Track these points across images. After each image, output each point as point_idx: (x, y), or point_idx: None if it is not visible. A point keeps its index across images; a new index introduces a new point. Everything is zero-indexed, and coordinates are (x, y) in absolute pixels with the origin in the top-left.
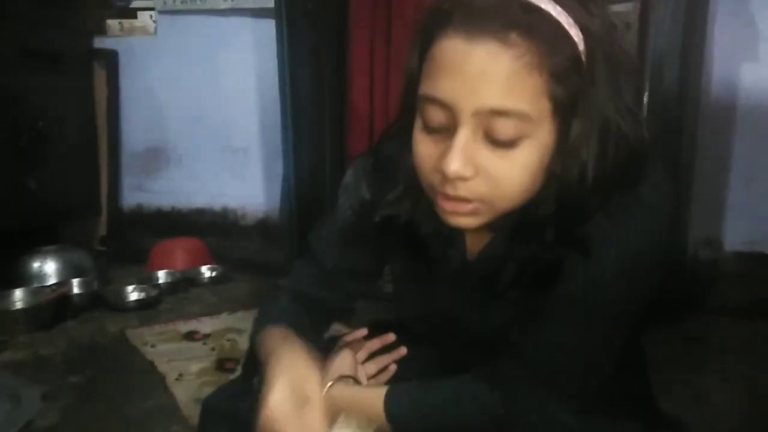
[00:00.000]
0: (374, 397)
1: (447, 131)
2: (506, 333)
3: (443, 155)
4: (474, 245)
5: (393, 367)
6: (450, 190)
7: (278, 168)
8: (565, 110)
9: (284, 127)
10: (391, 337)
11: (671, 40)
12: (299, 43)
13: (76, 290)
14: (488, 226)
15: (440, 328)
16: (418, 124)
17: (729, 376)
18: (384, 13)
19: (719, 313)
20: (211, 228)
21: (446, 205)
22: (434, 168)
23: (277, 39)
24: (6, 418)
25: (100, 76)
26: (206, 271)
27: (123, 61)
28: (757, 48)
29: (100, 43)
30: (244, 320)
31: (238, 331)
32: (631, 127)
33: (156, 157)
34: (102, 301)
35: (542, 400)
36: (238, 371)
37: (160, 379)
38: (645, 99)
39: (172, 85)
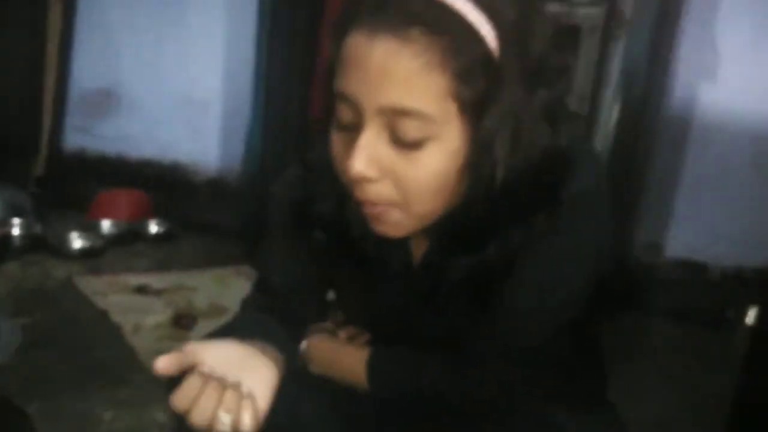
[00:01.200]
0: (357, 353)
1: (356, 130)
2: (455, 336)
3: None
4: (418, 250)
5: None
6: (358, 193)
7: (237, 126)
8: (473, 111)
9: (256, 80)
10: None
11: (639, 53)
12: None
13: (16, 231)
14: (426, 231)
15: (388, 333)
16: (333, 123)
17: (659, 370)
18: None
19: (653, 314)
20: (157, 181)
21: (365, 209)
22: (344, 168)
23: None
24: None
25: (55, 8)
26: (153, 226)
27: None
28: (717, 71)
29: None
30: (197, 279)
31: (192, 289)
32: (548, 131)
33: (106, 100)
34: (43, 244)
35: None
36: (195, 329)
37: (115, 329)
38: (616, 108)
39: (132, 25)
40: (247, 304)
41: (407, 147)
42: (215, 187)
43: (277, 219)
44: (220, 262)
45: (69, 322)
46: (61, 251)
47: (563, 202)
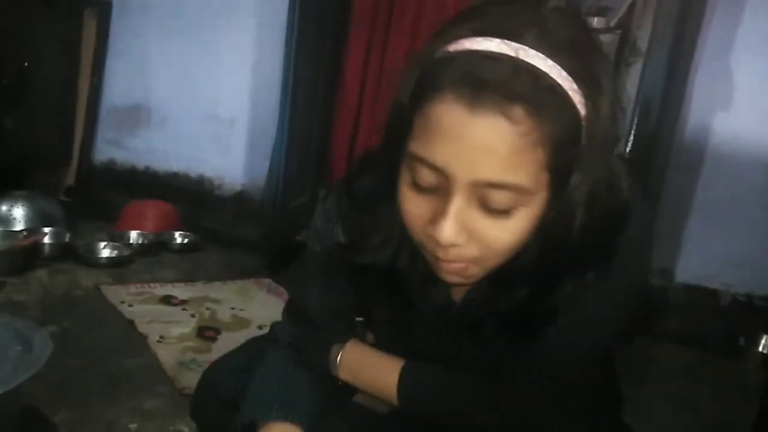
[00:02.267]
0: (391, 362)
1: (438, 192)
2: (490, 368)
3: (434, 218)
4: (457, 287)
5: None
6: (441, 254)
7: (263, 143)
8: (561, 176)
9: (283, 101)
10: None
11: (654, 83)
12: (309, 24)
13: (46, 239)
14: None
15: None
16: (405, 178)
17: (669, 395)
18: (385, 4)
19: (664, 339)
20: (183, 194)
21: (442, 265)
22: (423, 228)
23: (289, 12)
24: (20, 360)
25: (90, 25)
26: (178, 237)
27: (116, 12)
28: (732, 99)
29: None
30: (221, 290)
31: (216, 301)
32: (618, 184)
33: (137, 115)
34: (71, 253)
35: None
36: (218, 341)
37: (141, 338)
38: (630, 137)
39: (163, 44)
40: (278, 330)
41: (496, 215)
42: (239, 202)
43: (316, 249)
44: (242, 275)
45: (96, 330)
46: (89, 260)
47: (619, 250)
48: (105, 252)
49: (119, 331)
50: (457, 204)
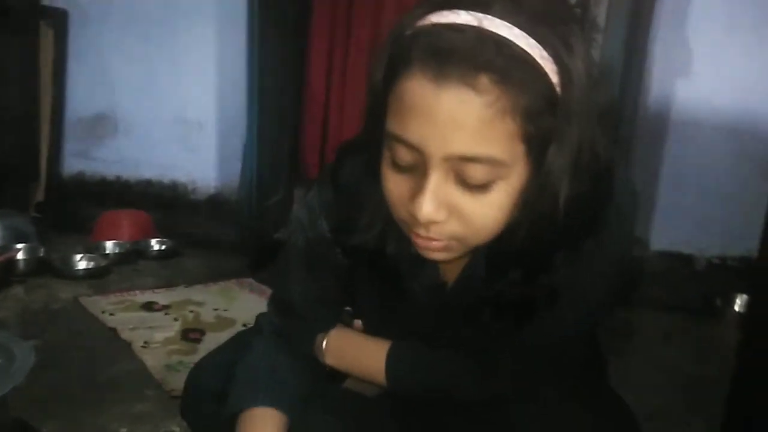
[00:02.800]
0: (377, 345)
1: (416, 170)
2: (479, 346)
3: (414, 195)
4: (448, 268)
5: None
6: (422, 232)
7: (233, 144)
8: (539, 147)
9: (250, 99)
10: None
11: (613, 56)
12: (270, 20)
13: (21, 255)
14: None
15: None
16: (386, 159)
17: (652, 361)
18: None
19: (643, 306)
20: (157, 201)
21: (419, 241)
22: (405, 206)
23: (248, 9)
24: (2, 371)
25: (47, 36)
26: (155, 244)
27: (73, 21)
28: (691, 66)
29: (49, 1)
30: (202, 293)
31: (199, 304)
32: (603, 157)
33: (103, 124)
34: (48, 268)
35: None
36: (204, 342)
37: (125, 345)
38: None
39: (124, 50)
40: (263, 321)
41: (474, 189)
42: (214, 204)
43: (299, 241)
44: (223, 276)
45: (79, 341)
46: (66, 273)
47: (607, 220)
48: (82, 264)
49: (102, 340)
50: (435, 180)
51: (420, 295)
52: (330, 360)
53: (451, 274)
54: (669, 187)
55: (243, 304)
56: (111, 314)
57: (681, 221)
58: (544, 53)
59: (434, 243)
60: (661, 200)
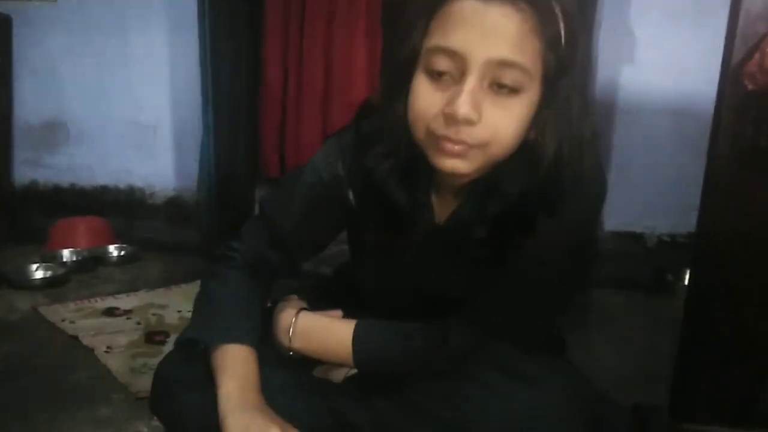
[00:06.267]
0: (344, 325)
1: (451, 79)
2: (463, 300)
3: (449, 101)
4: (442, 211)
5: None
6: (453, 134)
7: (190, 145)
8: (550, 78)
9: (204, 100)
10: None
11: None
12: (222, 19)
13: None
14: (455, 193)
15: (399, 297)
16: (419, 77)
17: (608, 337)
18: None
19: (597, 285)
20: (115, 206)
21: (446, 145)
22: (436, 114)
23: (198, 8)
24: None
25: None
26: (114, 250)
27: (17, 27)
28: (635, 54)
29: None
30: (165, 296)
31: (162, 307)
32: (584, 115)
33: (53, 131)
34: (3, 279)
35: (484, 342)
36: (169, 343)
37: (88, 352)
38: None
39: (72, 55)
40: (240, 250)
41: (504, 95)
42: (173, 207)
43: (311, 179)
44: (185, 279)
45: (39, 350)
46: (22, 283)
47: (585, 176)
48: (38, 273)
49: (64, 348)
50: (472, 83)
51: (416, 236)
52: (297, 343)
53: (443, 217)
54: (619, 170)
55: None
56: (71, 322)
57: (631, 202)
58: (557, 4)
59: (458, 147)
60: (611, 182)
